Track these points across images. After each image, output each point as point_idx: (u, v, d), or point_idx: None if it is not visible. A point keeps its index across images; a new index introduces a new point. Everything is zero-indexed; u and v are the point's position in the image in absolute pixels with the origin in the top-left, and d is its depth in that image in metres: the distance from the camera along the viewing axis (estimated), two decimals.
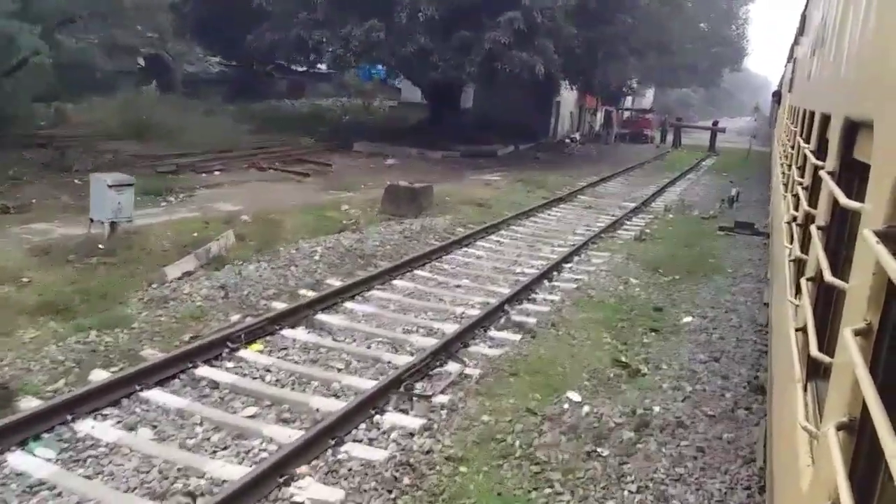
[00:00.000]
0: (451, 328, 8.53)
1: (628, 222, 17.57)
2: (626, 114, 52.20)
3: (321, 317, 8.73)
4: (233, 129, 23.19)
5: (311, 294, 9.42)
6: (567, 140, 40.04)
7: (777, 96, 35.50)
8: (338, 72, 47.20)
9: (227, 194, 16.42)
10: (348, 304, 9.32)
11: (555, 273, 11.63)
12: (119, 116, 22.37)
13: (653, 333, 9.26)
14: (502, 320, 9.07)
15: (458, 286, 10.75)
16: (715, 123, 44.29)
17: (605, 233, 15.62)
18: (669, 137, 45.18)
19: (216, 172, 18.89)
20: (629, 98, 63.07)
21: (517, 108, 36.97)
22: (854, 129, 2.83)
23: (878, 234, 1.64)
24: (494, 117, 37.35)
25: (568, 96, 39.01)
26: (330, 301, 9.18)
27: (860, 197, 2.19)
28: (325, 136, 28.91)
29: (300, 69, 48.12)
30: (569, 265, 12.36)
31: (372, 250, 12.31)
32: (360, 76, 51.05)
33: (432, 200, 16.02)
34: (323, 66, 48.89)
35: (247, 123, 28.65)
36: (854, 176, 2.91)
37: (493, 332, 8.74)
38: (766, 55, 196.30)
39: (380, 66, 44.25)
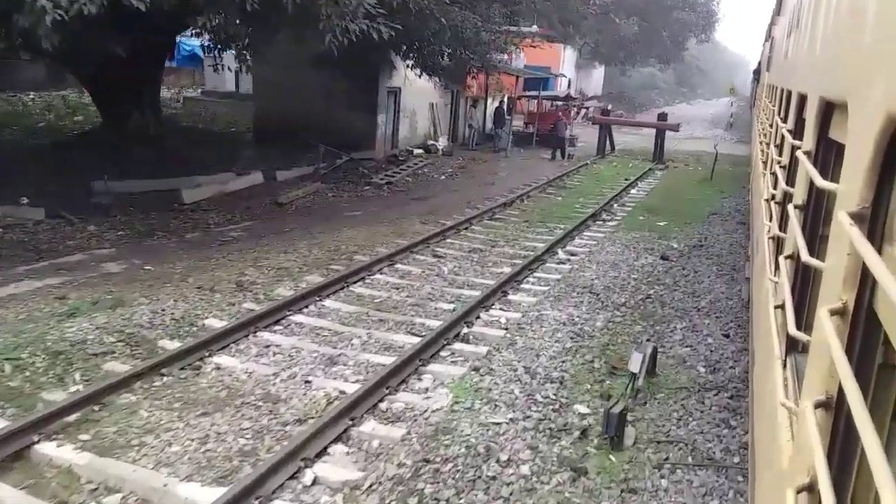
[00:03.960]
0: None
1: None
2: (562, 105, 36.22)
3: None
4: None
5: None
6: (412, 152, 23.98)
7: (757, 74, 31.97)
8: None
9: None
10: None
11: None
12: None
13: None
14: None
15: None
16: (662, 117, 28.29)
17: None
18: (588, 141, 29.15)
19: None
20: (565, 81, 47.24)
21: (322, 100, 21.42)
22: (830, 110, 2.89)
23: (851, 215, 1.66)
24: (286, 116, 21.84)
25: (418, 80, 22.74)
26: None
27: (836, 177, 2.22)
28: None
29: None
30: None
31: None
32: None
33: None
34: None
35: None
36: (830, 156, 2.94)
37: None
38: (744, 33, 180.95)
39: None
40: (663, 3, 50.02)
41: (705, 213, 17.92)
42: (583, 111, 44.52)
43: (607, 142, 28.81)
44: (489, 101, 30.11)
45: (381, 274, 11.06)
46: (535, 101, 36.70)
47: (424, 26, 16.17)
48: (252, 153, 19.54)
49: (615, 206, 18.35)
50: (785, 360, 2.80)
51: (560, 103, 34.40)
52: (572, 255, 13.07)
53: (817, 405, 1.71)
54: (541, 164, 25.26)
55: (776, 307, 3.21)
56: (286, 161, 19.73)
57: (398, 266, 11.54)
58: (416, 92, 23.63)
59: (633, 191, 20.89)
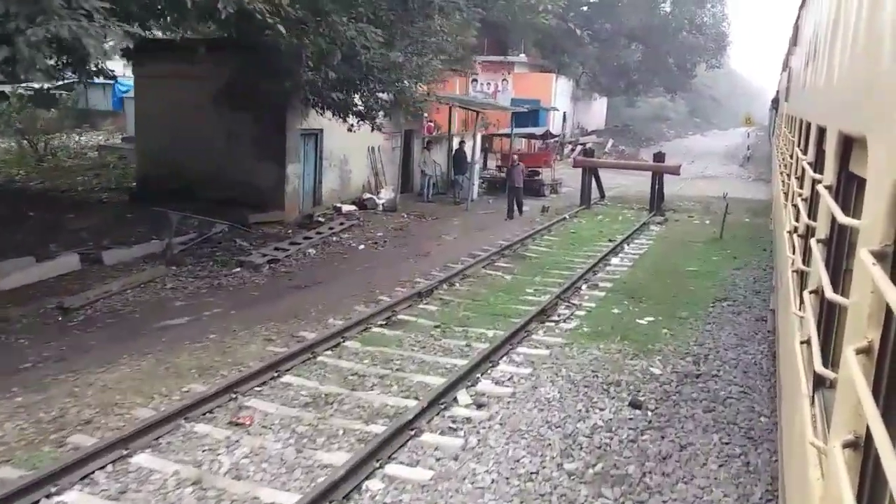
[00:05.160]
0: None
1: None
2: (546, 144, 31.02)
3: None
4: None
5: None
6: (341, 209, 19.00)
7: (776, 104, 31.06)
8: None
9: None
10: None
11: None
12: None
13: None
14: None
15: None
16: (658, 157, 23.01)
17: None
18: (576, 186, 24.07)
19: None
20: (559, 115, 42.34)
21: (219, 146, 16.79)
22: (849, 143, 2.89)
23: (874, 254, 1.65)
24: (176, 168, 17.23)
25: (333, 124, 17.55)
26: None
27: (858, 211, 2.30)
28: None
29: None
30: None
31: None
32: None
33: None
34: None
35: None
36: (851, 190, 2.91)
37: None
38: (761, 61, 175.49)
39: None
40: (667, 25, 45.09)
41: (710, 297, 12.63)
42: (578, 148, 39.45)
43: (594, 188, 23.53)
44: (455, 140, 25.04)
45: (74, 490, 5.83)
46: (523, 141, 31.87)
47: (296, 42, 11.21)
48: (99, 223, 14.58)
49: (583, 288, 13.10)
50: (813, 397, 2.72)
51: (546, 142, 29.34)
52: (479, 405, 7.81)
53: (846, 445, 1.68)
54: (505, 221, 20.06)
55: (802, 342, 3.16)
56: (152, 230, 14.78)
57: (132, 462, 6.36)
58: (347, 134, 18.49)
59: (614, 260, 15.61)
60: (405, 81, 14.13)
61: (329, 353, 9.27)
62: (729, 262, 15.55)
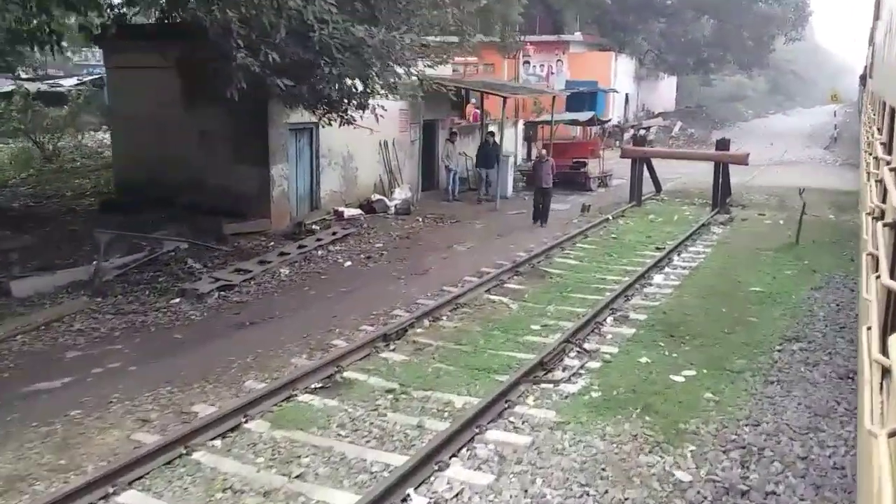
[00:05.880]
0: None
1: None
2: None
3: None
4: None
5: None
6: (342, 214, 16.39)
7: (863, 80, 28.48)
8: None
9: None
10: None
11: None
12: None
13: None
14: None
15: None
16: (722, 145, 19.35)
17: None
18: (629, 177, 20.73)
19: None
20: (619, 97, 38.70)
21: (200, 146, 14.55)
22: None
23: None
24: (153, 171, 15.10)
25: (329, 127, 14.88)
26: None
27: None
28: None
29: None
30: None
31: None
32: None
33: None
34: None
35: None
36: None
37: None
38: (849, 35, 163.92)
39: None
40: None
41: (777, 335, 9.44)
42: (641, 133, 35.68)
43: (644, 182, 20.15)
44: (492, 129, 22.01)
45: None
46: (578, 128, 28.55)
47: (219, 17, 8.54)
48: (39, 241, 12.39)
49: (608, 322, 10.07)
50: (882, 384, 2.63)
51: (592, 128, 25.99)
52: None
53: (891, 434, 1.61)
54: (535, 225, 17.04)
55: (867, 328, 3.04)
56: (96, 250, 12.48)
57: None
58: (350, 127, 15.72)
59: (657, 277, 12.44)
60: (375, 63, 11.22)
61: (215, 443, 6.62)
62: (806, 279, 12.19)
